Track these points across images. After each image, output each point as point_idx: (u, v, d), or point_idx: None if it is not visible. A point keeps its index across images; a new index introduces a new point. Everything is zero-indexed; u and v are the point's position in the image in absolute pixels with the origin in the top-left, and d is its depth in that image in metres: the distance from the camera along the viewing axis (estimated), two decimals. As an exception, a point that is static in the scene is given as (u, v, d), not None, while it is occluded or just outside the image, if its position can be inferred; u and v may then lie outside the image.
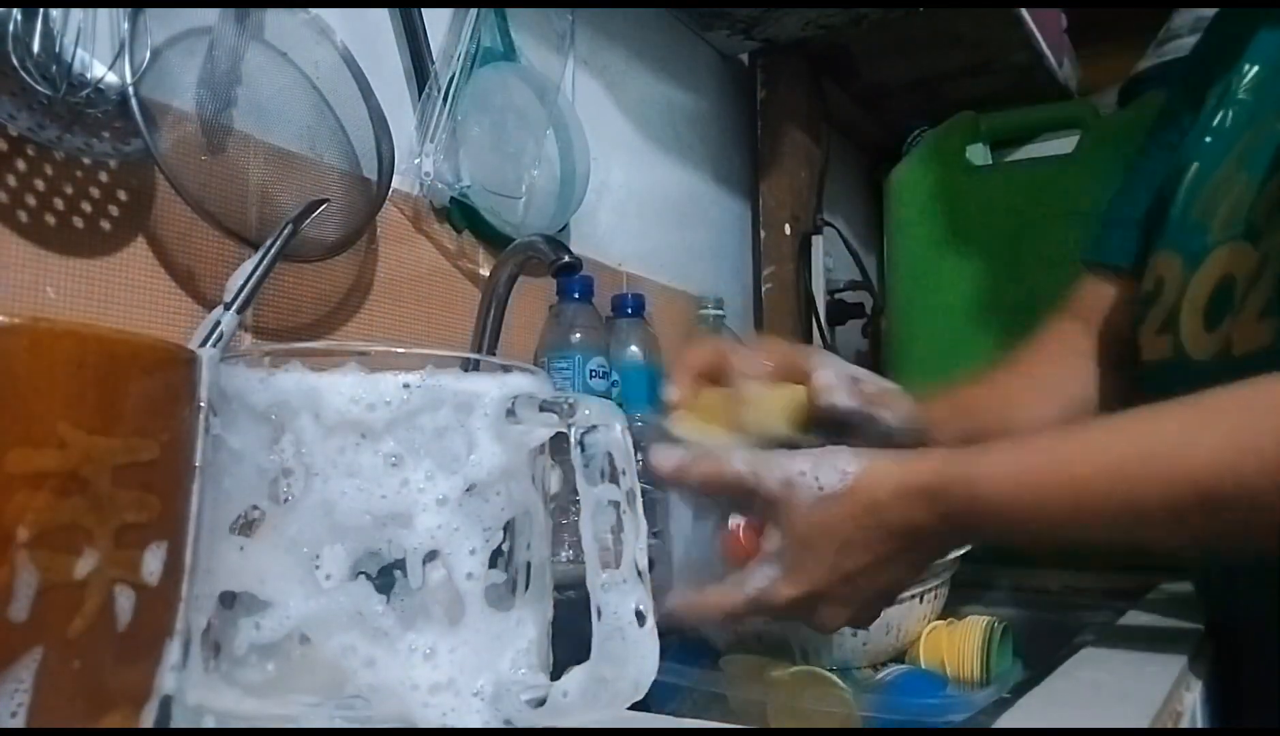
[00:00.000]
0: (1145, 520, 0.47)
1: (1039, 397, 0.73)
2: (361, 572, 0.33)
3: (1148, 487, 0.45)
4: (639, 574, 0.32)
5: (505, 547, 0.35)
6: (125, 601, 0.30)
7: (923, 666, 0.70)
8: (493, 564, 0.34)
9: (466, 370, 0.37)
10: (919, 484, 0.47)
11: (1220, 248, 0.60)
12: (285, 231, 0.67)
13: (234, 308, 0.64)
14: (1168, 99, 0.78)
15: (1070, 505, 0.47)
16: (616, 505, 0.32)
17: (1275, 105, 0.61)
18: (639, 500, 0.33)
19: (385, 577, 0.33)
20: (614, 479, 0.32)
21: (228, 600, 0.33)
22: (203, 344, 0.64)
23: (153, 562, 0.30)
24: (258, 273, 0.66)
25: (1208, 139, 0.66)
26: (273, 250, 0.67)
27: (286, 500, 0.33)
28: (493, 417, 0.34)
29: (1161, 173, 0.72)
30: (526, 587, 0.36)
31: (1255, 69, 0.65)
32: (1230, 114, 0.65)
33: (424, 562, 0.33)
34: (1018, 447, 0.50)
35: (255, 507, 0.34)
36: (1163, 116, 0.77)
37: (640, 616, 0.32)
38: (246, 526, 0.34)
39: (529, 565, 0.36)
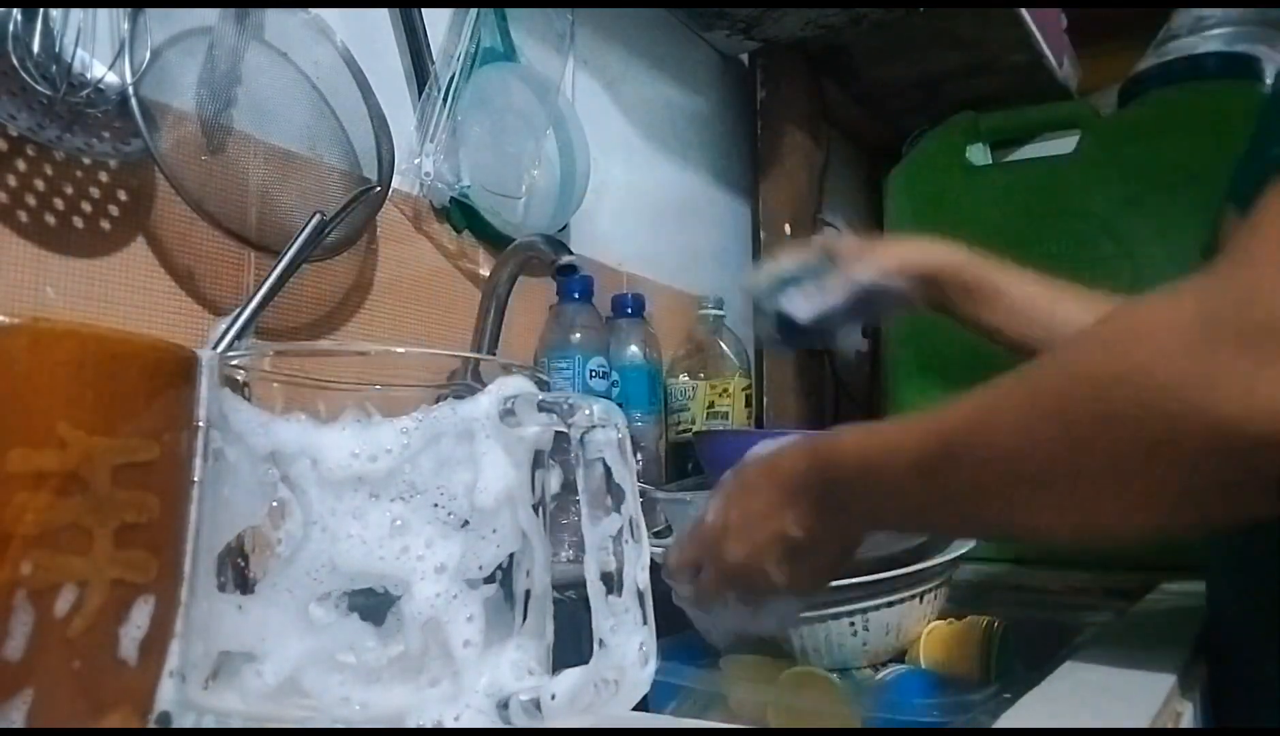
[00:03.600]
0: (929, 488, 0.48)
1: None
2: (355, 609, 0.33)
3: (921, 447, 0.47)
4: (640, 596, 0.32)
5: (504, 576, 0.35)
6: (124, 612, 0.30)
7: (923, 666, 0.70)
8: (489, 579, 0.34)
9: (467, 371, 0.37)
10: (804, 443, 0.54)
11: None
12: (312, 224, 0.65)
13: (221, 344, 0.62)
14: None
15: (904, 464, 0.48)
16: (619, 531, 0.32)
17: None
18: (642, 525, 0.33)
19: (380, 606, 0.33)
20: (614, 499, 0.32)
21: (226, 654, 0.33)
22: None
23: (140, 617, 0.30)
24: (280, 267, 0.64)
25: None
26: (298, 243, 0.65)
27: (283, 554, 0.33)
28: (495, 437, 0.34)
29: None
30: (525, 618, 0.36)
31: None
32: None
33: (422, 629, 0.33)
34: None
35: (253, 531, 0.33)
36: None
37: (644, 657, 0.32)
38: (243, 573, 0.34)
39: (528, 593, 0.36)
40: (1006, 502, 0.46)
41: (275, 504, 0.33)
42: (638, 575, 0.32)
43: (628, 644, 0.32)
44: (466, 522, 0.34)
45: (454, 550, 0.33)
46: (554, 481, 0.38)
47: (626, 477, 0.33)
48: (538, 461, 0.37)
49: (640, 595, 0.32)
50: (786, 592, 0.55)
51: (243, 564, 0.34)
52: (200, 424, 0.34)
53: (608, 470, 0.32)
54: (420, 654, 0.33)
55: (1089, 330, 0.43)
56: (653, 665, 0.32)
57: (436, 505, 0.33)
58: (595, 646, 0.32)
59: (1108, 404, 0.39)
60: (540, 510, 0.37)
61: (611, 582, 0.32)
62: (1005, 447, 0.44)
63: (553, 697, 0.32)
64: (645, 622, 0.32)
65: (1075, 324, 0.75)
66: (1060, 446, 0.41)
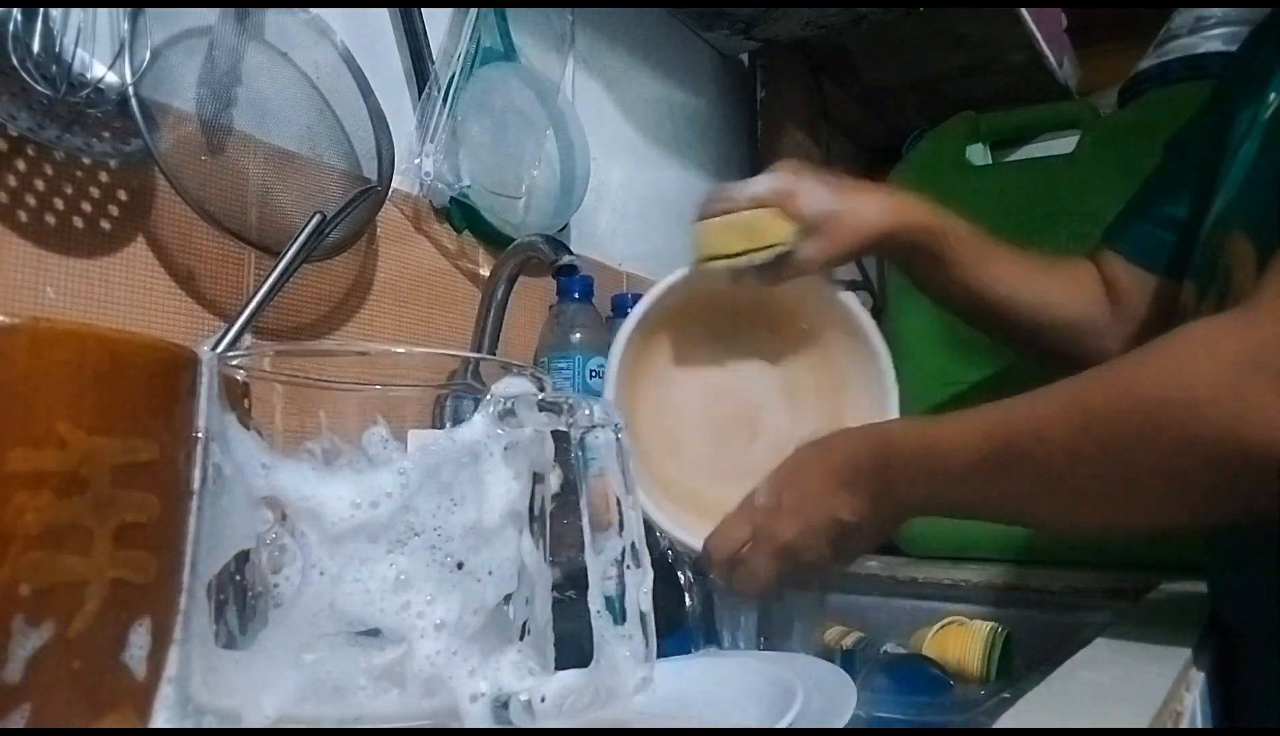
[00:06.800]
0: (995, 476, 0.53)
1: (1057, 282, 0.81)
2: (353, 643, 0.33)
3: (990, 436, 0.52)
4: (643, 622, 0.32)
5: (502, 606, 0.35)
6: (124, 612, 0.30)
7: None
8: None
9: (467, 371, 0.37)
10: (861, 432, 0.60)
11: None
12: (312, 224, 0.66)
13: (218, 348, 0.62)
14: (1205, 114, 0.77)
15: (962, 459, 0.53)
16: (620, 555, 0.32)
17: None
18: (644, 548, 0.33)
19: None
20: (615, 520, 0.32)
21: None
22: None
23: (140, 617, 0.30)
24: (280, 267, 0.65)
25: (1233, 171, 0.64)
26: (298, 243, 0.65)
27: (282, 598, 0.32)
28: (496, 454, 0.34)
29: (1192, 180, 0.74)
30: (522, 639, 0.36)
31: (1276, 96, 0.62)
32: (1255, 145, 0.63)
33: (424, 685, 0.32)
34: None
35: (253, 567, 0.33)
36: (1193, 125, 0.77)
37: (642, 685, 0.32)
38: (243, 596, 0.34)
39: (525, 623, 0.36)
40: (1052, 499, 0.52)
41: (276, 552, 0.33)
42: (640, 600, 0.32)
43: (630, 674, 0.32)
44: (462, 565, 0.33)
45: (454, 605, 0.33)
46: (554, 482, 0.38)
47: (627, 495, 0.33)
48: (536, 480, 0.37)
49: (643, 620, 0.32)
50: (829, 566, 0.60)
51: (239, 579, 0.34)
52: (199, 434, 0.34)
53: (609, 488, 0.32)
54: (420, 696, 0.33)
55: (1140, 353, 0.49)
56: (649, 691, 0.32)
57: (434, 547, 0.33)
58: (595, 653, 0.32)
59: (1154, 424, 0.45)
60: (539, 527, 0.37)
61: (614, 609, 0.32)
62: (1058, 454, 0.49)
63: (542, 699, 0.32)
64: (647, 656, 0.32)
65: (1062, 299, 0.81)
66: (1109, 456, 0.47)
